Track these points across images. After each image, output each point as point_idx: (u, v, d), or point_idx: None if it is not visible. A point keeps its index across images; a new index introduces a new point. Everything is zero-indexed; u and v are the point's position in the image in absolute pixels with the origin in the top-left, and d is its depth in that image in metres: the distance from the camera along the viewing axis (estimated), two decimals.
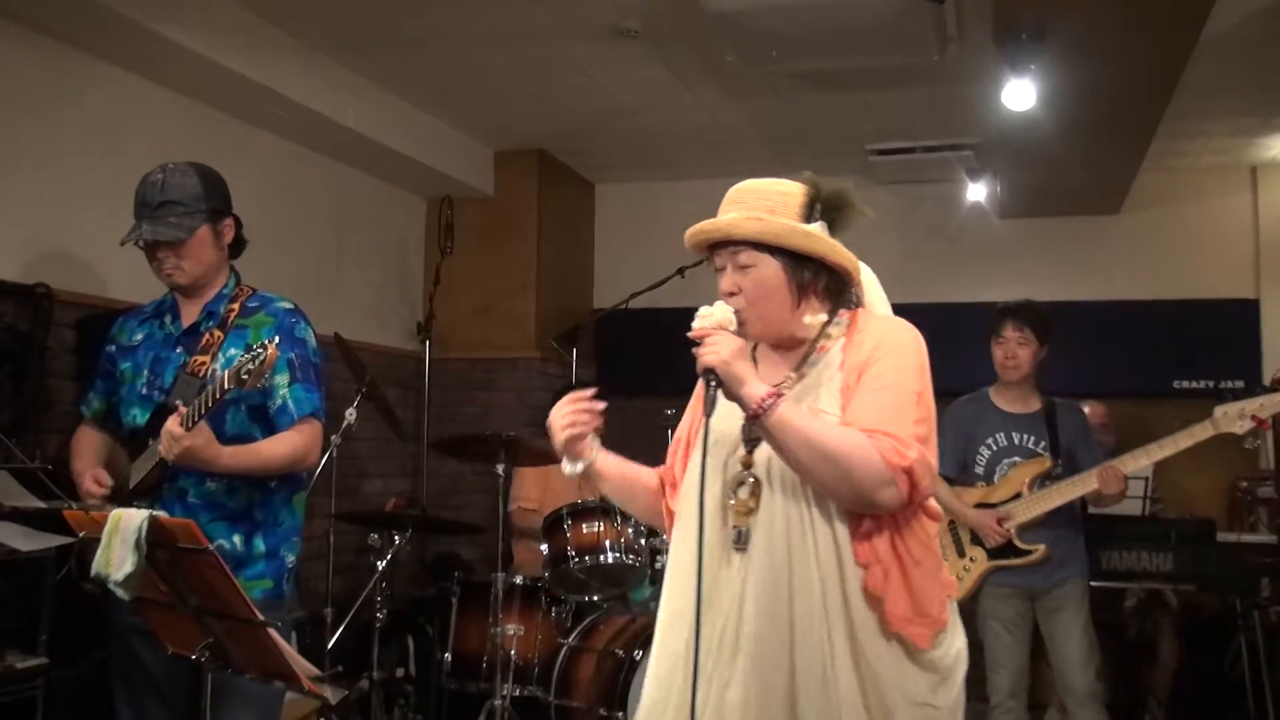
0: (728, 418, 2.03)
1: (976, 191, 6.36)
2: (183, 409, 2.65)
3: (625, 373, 7.06)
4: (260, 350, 2.54)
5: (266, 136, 5.30)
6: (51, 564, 3.30)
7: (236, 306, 2.95)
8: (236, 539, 2.86)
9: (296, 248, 5.43)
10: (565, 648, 4.54)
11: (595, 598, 4.73)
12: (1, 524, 3.09)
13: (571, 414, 2.21)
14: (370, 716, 4.65)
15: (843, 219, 2.11)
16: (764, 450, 2.04)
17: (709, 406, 1.95)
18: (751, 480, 2.04)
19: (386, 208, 6.40)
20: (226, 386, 2.56)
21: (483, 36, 4.83)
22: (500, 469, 4.38)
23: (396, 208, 6.50)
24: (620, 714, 4.14)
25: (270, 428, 2.89)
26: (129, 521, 2.32)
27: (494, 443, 4.42)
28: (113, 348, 3.04)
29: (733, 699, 1.98)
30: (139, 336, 3.00)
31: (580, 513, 4.55)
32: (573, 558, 4.46)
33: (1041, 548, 4.06)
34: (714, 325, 1.99)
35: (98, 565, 2.35)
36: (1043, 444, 4.16)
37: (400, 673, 5.24)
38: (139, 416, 2.91)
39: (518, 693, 4.48)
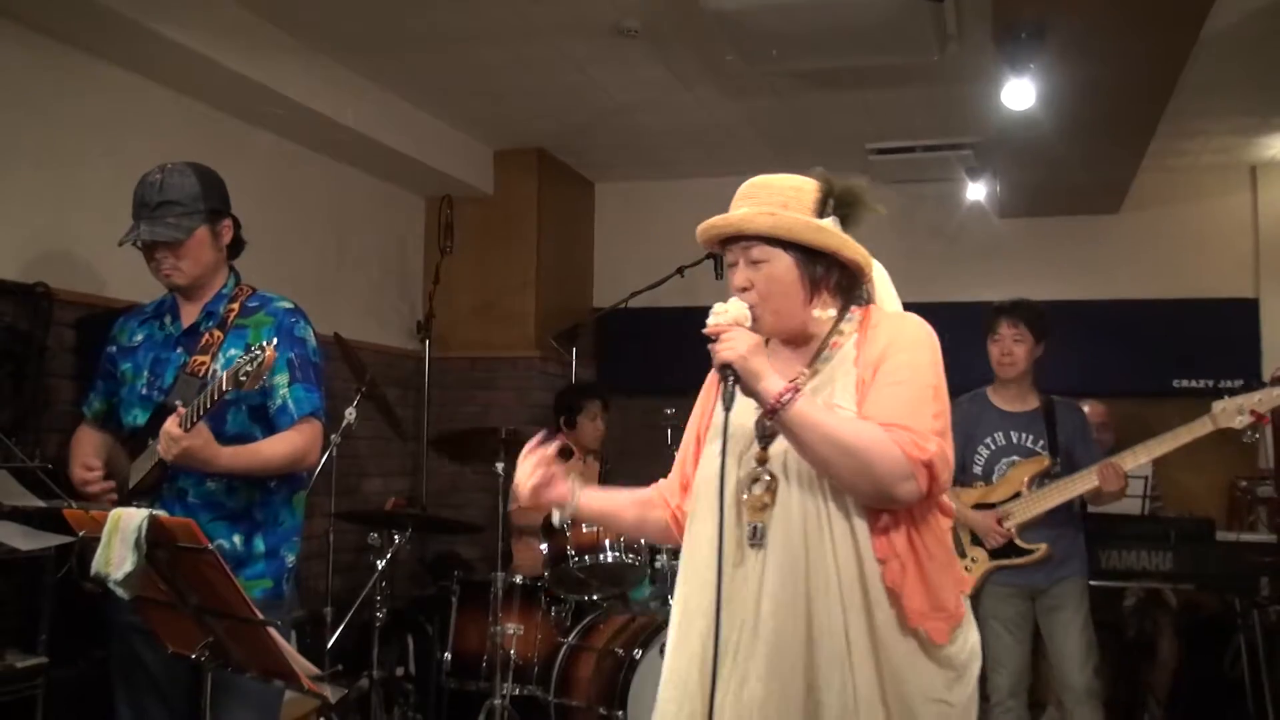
0: (740, 413, 2.02)
1: (976, 191, 6.36)
2: (181, 410, 2.64)
3: (625, 372, 7.07)
4: (258, 352, 2.53)
5: (266, 136, 5.30)
6: (51, 563, 3.30)
7: (236, 306, 2.94)
8: (236, 539, 2.86)
9: (296, 247, 5.43)
10: (565, 647, 4.54)
11: (595, 597, 4.73)
12: (1, 523, 3.09)
13: (530, 465, 2.24)
14: (370, 715, 4.65)
15: (854, 215, 2.11)
16: (778, 446, 2.03)
17: (728, 401, 1.94)
18: (767, 477, 2.03)
19: (386, 207, 6.40)
20: (225, 388, 2.56)
21: (482, 36, 4.83)
22: (500, 468, 4.37)
23: (396, 207, 6.50)
24: (620, 713, 4.14)
25: (270, 427, 2.88)
26: (129, 521, 2.32)
27: (494, 438, 4.40)
28: (113, 348, 3.03)
29: (750, 696, 1.97)
30: (139, 337, 3.00)
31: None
32: (572, 557, 4.46)
33: (1043, 546, 4.05)
34: (729, 321, 1.99)
35: (97, 564, 2.35)
36: (1041, 443, 4.16)
37: (400, 672, 5.24)
38: (139, 417, 2.91)
39: (517, 692, 4.49)
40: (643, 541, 4.53)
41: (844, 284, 2.12)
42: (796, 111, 5.76)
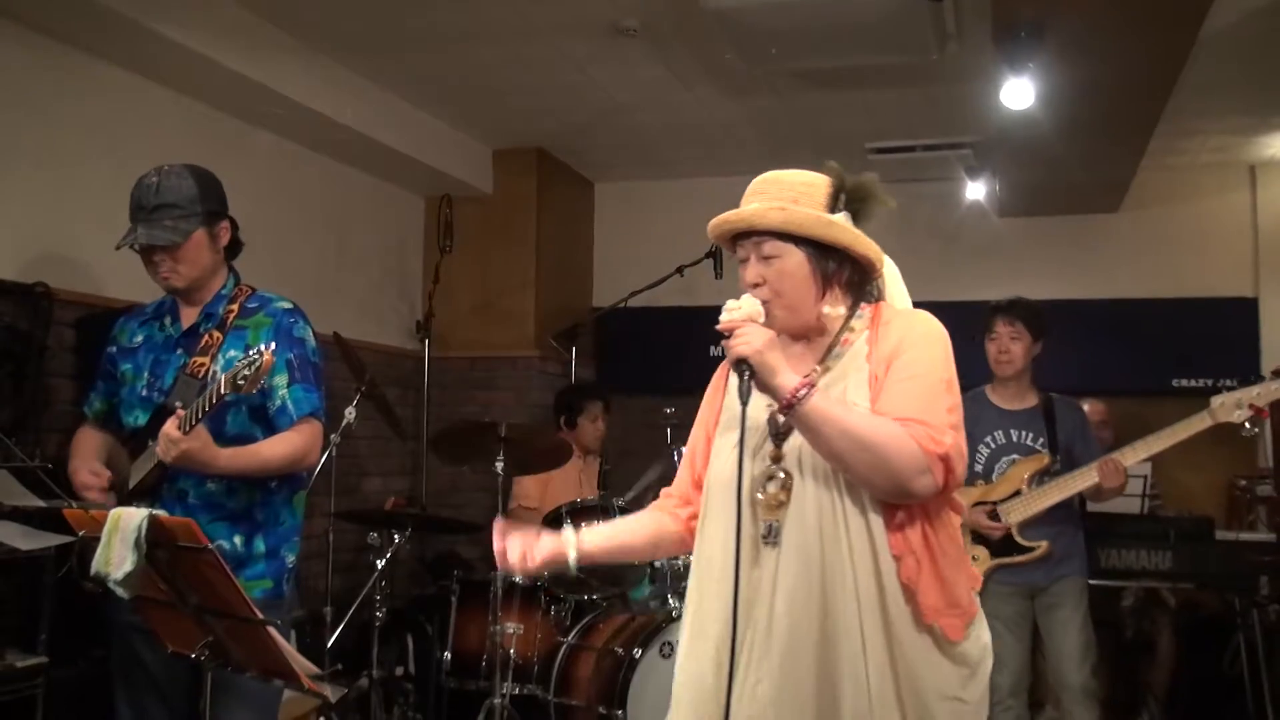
0: (752, 410, 2.00)
1: (975, 190, 6.36)
2: (181, 412, 2.64)
3: (624, 371, 7.08)
4: (256, 356, 2.53)
5: (266, 136, 5.30)
6: (51, 563, 3.30)
7: (235, 307, 2.94)
8: (237, 539, 2.86)
9: (296, 247, 5.43)
10: (564, 646, 4.54)
11: (594, 596, 4.73)
12: (1, 523, 3.09)
13: (513, 552, 2.24)
14: (370, 715, 4.65)
15: (866, 210, 2.10)
16: (793, 443, 2.03)
17: (744, 397, 1.93)
18: (782, 474, 2.02)
19: (385, 206, 6.40)
20: (223, 392, 2.56)
21: (482, 35, 4.83)
22: (499, 467, 4.37)
23: (395, 206, 6.51)
24: (620, 712, 4.14)
25: (270, 428, 2.88)
26: (129, 520, 2.33)
27: (493, 435, 4.39)
28: (114, 349, 3.03)
29: (764, 695, 1.97)
30: (139, 338, 3.00)
31: (579, 511, 4.55)
32: None
33: (1044, 544, 4.05)
34: (743, 317, 1.98)
35: (97, 564, 2.36)
36: (1041, 440, 4.16)
37: (400, 671, 5.24)
38: (140, 418, 2.91)
39: (517, 691, 4.48)
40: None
41: (855, 280, 2.11)
42: (796, 111, 5.76)
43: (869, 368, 2.04)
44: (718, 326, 1.99)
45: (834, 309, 2.10)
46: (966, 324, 4.52)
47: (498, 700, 4.31)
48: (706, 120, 5.96)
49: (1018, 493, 4.09)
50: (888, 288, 2.19)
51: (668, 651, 4.22)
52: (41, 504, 3.13)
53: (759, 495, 2.03)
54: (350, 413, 4.64)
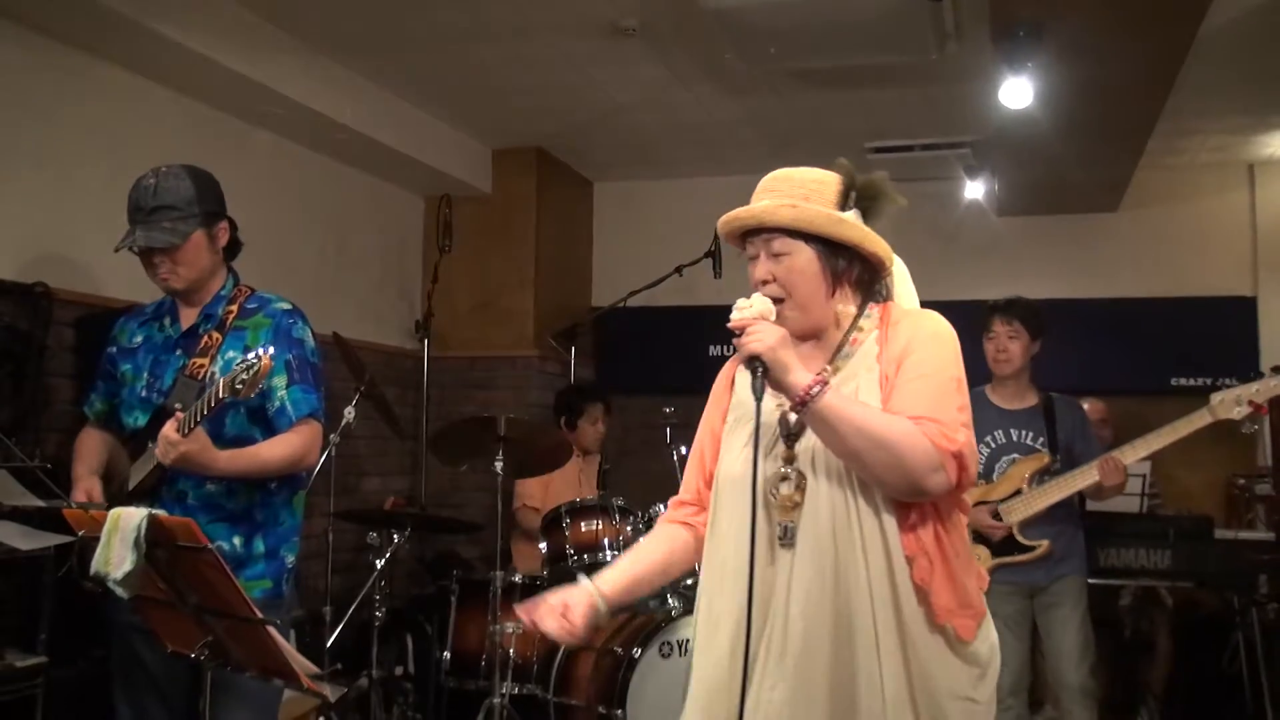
0: (764, 409, 1.98)
1: (974, 189, 6.37)
2: (180, 414, 2.64)
3: (623, 371, 7.09)
4: (254, 360, 2.52)
5: (265, 136, 5.31)
6: (51, 563, 3.30)
7: (235, 308, 2.94)
8: (236, 540, 2.86)
9: (295, 247, 5.44)
10: (564, 646, 4.54)
11: None
12: (1, 523, 3.09)
13: (550, 623, 2.09)
14: (369, 714, 4.66)
15: (876, 208, 2.10)
16: (805, 443, 2.02)
17: (758, 394, 1.92)
18: (795, 474, 2.01)
19: (385, 206, 6.40)
20: (221, 396, 2.56)
21: (481, 35, 4.83)
22: (498, 466, 4.37)
23: (395, 206, 6.51)
24: (619, 711, 4.14)
25: (270, 429, 2.88)
26: (128, 520, 2.33)
27: (492, 433, 4.39)
28: (114, 349, 3.03)
29: (781, 698, 1.96)
30: (139, 339, 3.00)
31: (579, 511, 4.56)
32: (571, 556, 4.46)
33: (1045, 543, 4.06)
34: (755, 315, 1.97)
35: (97, 564, 2.36)
36: (1041, 439, 4.16)
37: (399, 671, 5.24)
38: (139, 419, 2.91)
39: (516, 691, 4.48)
40: (642, 540, 4.52)
41: (864, 278, 2.11)
42: (795, 110, 5.77)
43: (880, 368, 2.04)
44: (729, 324, 1.98)
45: (846, 307, 2.10)
46: (965, 324, 4.55)
47: (497, 700, 4.30)
48: (706, 120, 5.96)
49: (1018, 492, 4.09)
50: (896, 287, 2.19)
51: (667, 651, 4.23)
52: (41, 504, 3.13)
53: (773, 496, 2.02)
54: (349, 412, 4.64)
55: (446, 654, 4.74)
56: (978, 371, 4.29)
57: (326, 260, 5.80)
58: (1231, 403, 3.87)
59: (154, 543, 2.31)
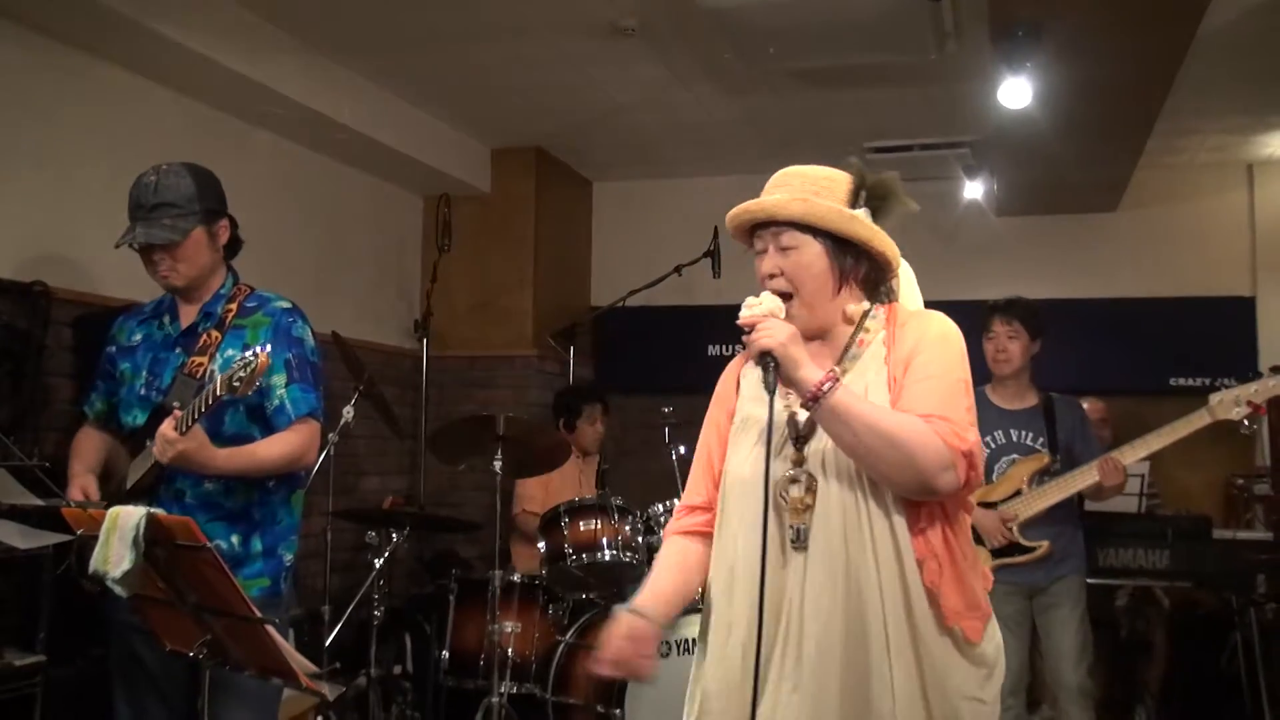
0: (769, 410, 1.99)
1: (973, 189, 6.37)
2: (178, 412, 2.64)
3: (622, 370, 7.09)
4: (252, 358, 2.53)
5: (265, 135, 5.31)
6: (49, 561, 3.30)
7: (234, 307, 2.94)
8: (234, 539, 2.86)
9: (294, 246, 5.44)
10: (562, 645, 4.54)
11: (592, 595, 4.73)
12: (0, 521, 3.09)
13: (630, 668, 2.08)
14: (368, 714, 4.66)
15: (886, 208, 2.10)
16: (815, 445, 2.01)
17: (770, 388, 1.92)
18: (805, 477, 2.01)
19: (384, 206, 6.40)
20: (219, 393, 2.56)
21: (480, 34, 4.84)
22: (497, 465, 4.37)
23: (394, 206, 6.51)
24: (617, 711, 4.15)
25: (268, 427, 2.88)
26: (127, 519, 2.33)
27: (491, 432, 4.39)
28: (113, 348, 3.03)
29: (794, 701, 1.96)
30: (138, 337, 3.00)
31: (577, 510, 4.56)
32: (570, 555, 4.46)
33: (1045, 544, 4.06)
34: (764, 313, 1.97)
35: (96, 563, 2.36)
36: (1041, 440, 4.16)
37: (398, 670, 5.24)
38: (138, 417, 2.91)
39: (515, 690, 4.49)
40: (640, 540, 4.53)
41: (871, 278, 2.11)
42: (794, 110, 5.77)
43: (888, 369, 2.04)
44: (739, 321, 1.98)
45: (849, 307, 2.10)
46: (964, 323, 4.54)
47: (495, 699, 4.31)
48: (705, 120, 5.96)
49: (1018, 492, 4.09)
50: (901, 290, 2.19)
51: (665, 651, 4.23)
52: (39, 503, 3.13)
53: (783, 499, 2.01)
54: (348, 412, 4.64)
55: (445, 653, 4.75)
56: (977, 372, 4.26)
57: (325, 260, 5.80)
58: (1230, 403, 3.88)
59: (153, 541, 2.31)
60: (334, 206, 5.87)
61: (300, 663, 2.32)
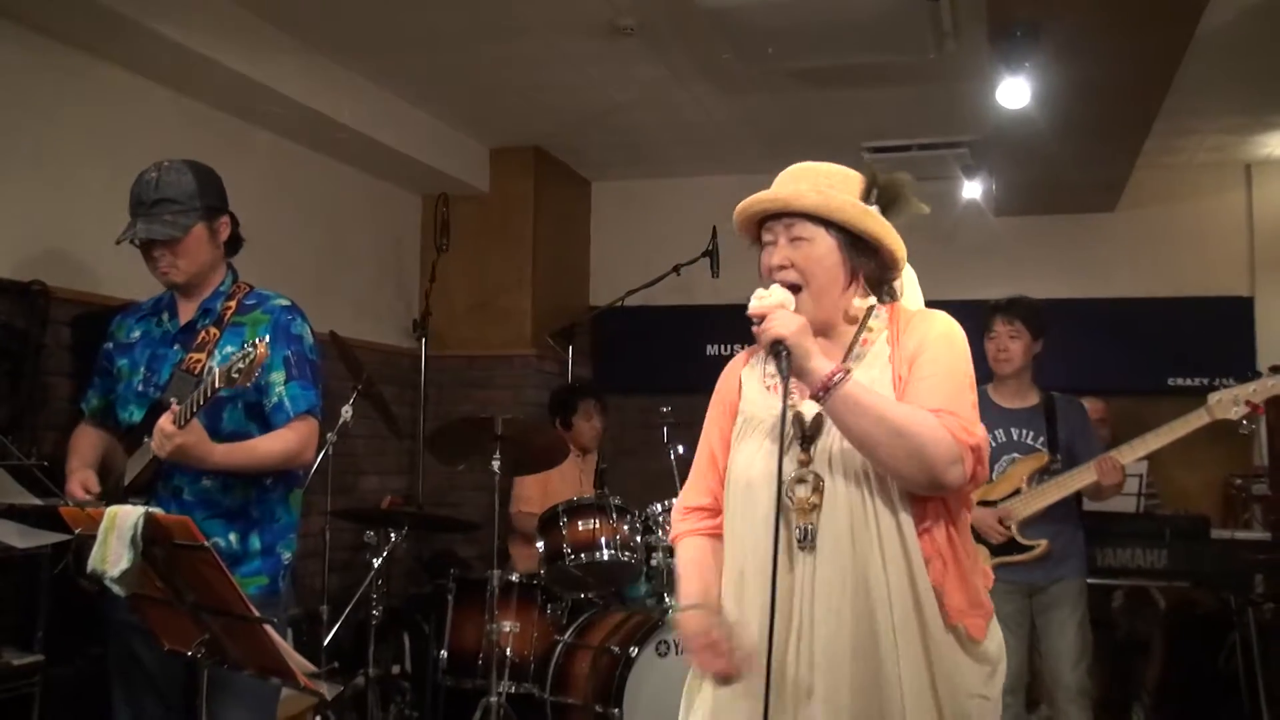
0: (776, 412, 1.98)
1: (972, 189, 6.36)
2: (176, 406, 2.64)
3: (621, 370, 7.09)
4: (250, 349, 2.53)
5: (264, 135, 5.31)
6: (48, 561, 3.30)
7: (233, 304, 2.94)
8: (232, 537, 2.86)
9: (293, 245, 5.43)
10: (561, 644, 4.55)
11: (591, 595, 4.74)
12: None
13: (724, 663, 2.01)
14: (366, 713, 4.66)
15: (896, 208, 2.10)
16: (822, 444, 2.01)
17: (785, 375, 1.92)
18: (812, 476, 2.00)
19: (382, 205, 6.40)
20: (217, 385, 2.56)
21: (478, 34, 4.84)
22: (496, 465, 4.37)
23: (392, 205, 6.51)
24: (616, 710, 4.15)
25: (267, 425, 2.88)
26: (125, 518, 2.33)
27: (490, 432, 4.39)
28: (110, 345, 3.04)
29: (807, 704, 1.96)
30: (136, 334, 3.00)
31: (576, 509, 4.56)
32: (568, 555, 4.47)
33: (1044, 543, 4.06)
34: (775, 304, 1.97)
35: (94, 562, 2.36)
36: (1041, 439, 4.16)
37: (396, 669, 5.24)
38: (135, 414, 2.91)
39: (513, 689, 4.49)
40: (639, 540, 4.53)
41: (876, 276, 2.11)
42: (792, 109, 5.77)
43: (893, 368, 2.04)
44: (749, 312, 1.98)
45: (864, 301, 2.10)
46: (963, 323, 4.54)
47: (494, 699, 4.31)
48: (703, 119, 5.96)
49: (1017, 491, 4.09)
50: (903, 289, 2.20)
51: (664, 650, 4.23)
52: (38, 502, 3.13)
53: (789, 499, 2.00)
54: (347, 411, 4.64)
55: (443, 652, 4.75)
56: (979, 371, 4.27)
57: (324, 259, 5.79)
58: (1229, 402, 3.87)
59: (151, 540, 2.31)
60: (333, 206, 5.87)
61: (298, 662, 2.32)
